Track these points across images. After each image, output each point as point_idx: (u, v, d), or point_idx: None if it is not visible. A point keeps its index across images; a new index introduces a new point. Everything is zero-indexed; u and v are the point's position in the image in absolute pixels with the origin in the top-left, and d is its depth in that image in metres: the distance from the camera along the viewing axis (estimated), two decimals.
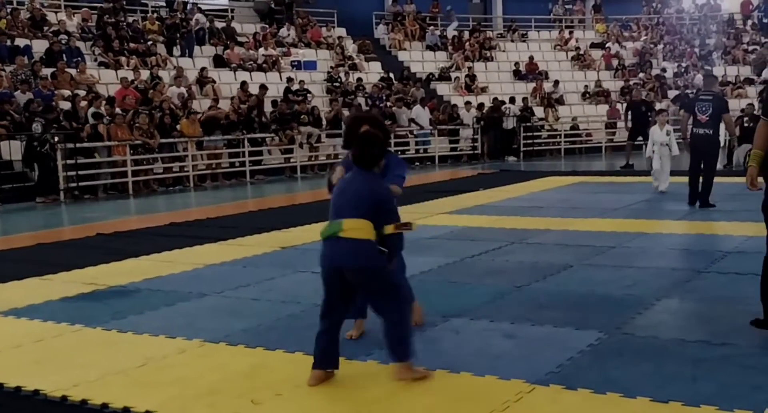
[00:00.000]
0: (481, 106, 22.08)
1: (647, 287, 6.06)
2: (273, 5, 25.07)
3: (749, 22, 30.29)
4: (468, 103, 22.17)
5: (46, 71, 16.81)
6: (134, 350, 4.86)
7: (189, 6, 22.77)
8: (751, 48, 28.39)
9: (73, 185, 14.18)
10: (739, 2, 30.71)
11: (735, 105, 19.37)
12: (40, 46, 18.09)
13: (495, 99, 22.23)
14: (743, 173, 11.18)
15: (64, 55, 17.75)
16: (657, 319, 5.24)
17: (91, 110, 15.25)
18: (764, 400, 3.70)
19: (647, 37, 29.71)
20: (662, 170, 12.00)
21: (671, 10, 32.41)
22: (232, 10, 25.26)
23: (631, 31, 30.45)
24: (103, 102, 15.89)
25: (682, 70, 27.23)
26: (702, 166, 10.38)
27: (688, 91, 25.02)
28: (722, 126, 10.74)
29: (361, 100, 21.05)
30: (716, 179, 10.54)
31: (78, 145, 14.27)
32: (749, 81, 25.94)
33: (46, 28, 19.18)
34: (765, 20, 30.19)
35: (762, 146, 5.02)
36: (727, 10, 31.34)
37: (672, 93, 25.57)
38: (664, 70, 27.34)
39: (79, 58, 18.13)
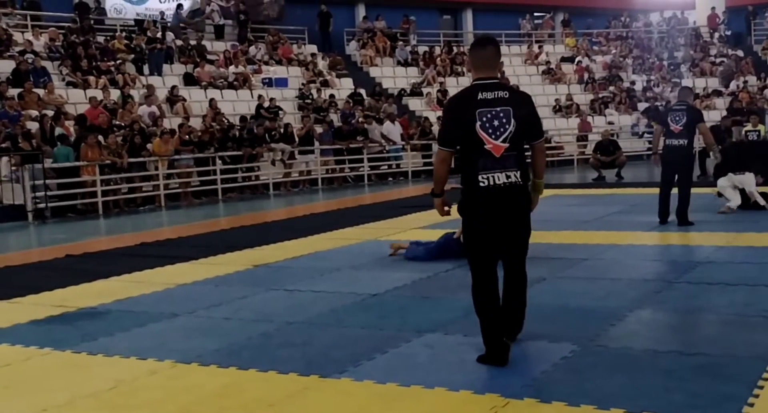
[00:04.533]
0: None
1: (620, 299, 6.08)
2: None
3: (716, 34, 30.75)
4: (440, 118, 22.19)
5: (13, 92, 16.64)
6: (105, 372, 4.78)
7: (158, 24, 22.70)
8: (718, 60, 28.80)
9: (42, 206, 14.01)
10: (705, 15, 31.18)
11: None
12: (6, 67, 17.89)
13: None
14: (715, 184, 11.25)
15: (30, 75, 17.57)
16: (630, 330, 5.25)
17: (58, 130, 15.08)
18: (735, 409, 3.73)
19: (616, 50, 30.05)
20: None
21: (639, 24, 32.80)
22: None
23: (600, 45, 30.79)
24: (72, 122, 15.74)
25: (652, 83, 27.51)
26: (676, 180, 9.64)
27: (658, 103, 25.32)
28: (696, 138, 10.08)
29: (333, 116, 21.05)
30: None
31: (46, 165, 14.11)
32: (717, 93, 26.29)
33: (12, 48, 19.00)
34: (727, 33, 30.66)
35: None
36: (694, 24, 31.78)
37: (642, 106, 25.84)
38: (633, 83, 27.63)
39: (47, 78, 17.95)
